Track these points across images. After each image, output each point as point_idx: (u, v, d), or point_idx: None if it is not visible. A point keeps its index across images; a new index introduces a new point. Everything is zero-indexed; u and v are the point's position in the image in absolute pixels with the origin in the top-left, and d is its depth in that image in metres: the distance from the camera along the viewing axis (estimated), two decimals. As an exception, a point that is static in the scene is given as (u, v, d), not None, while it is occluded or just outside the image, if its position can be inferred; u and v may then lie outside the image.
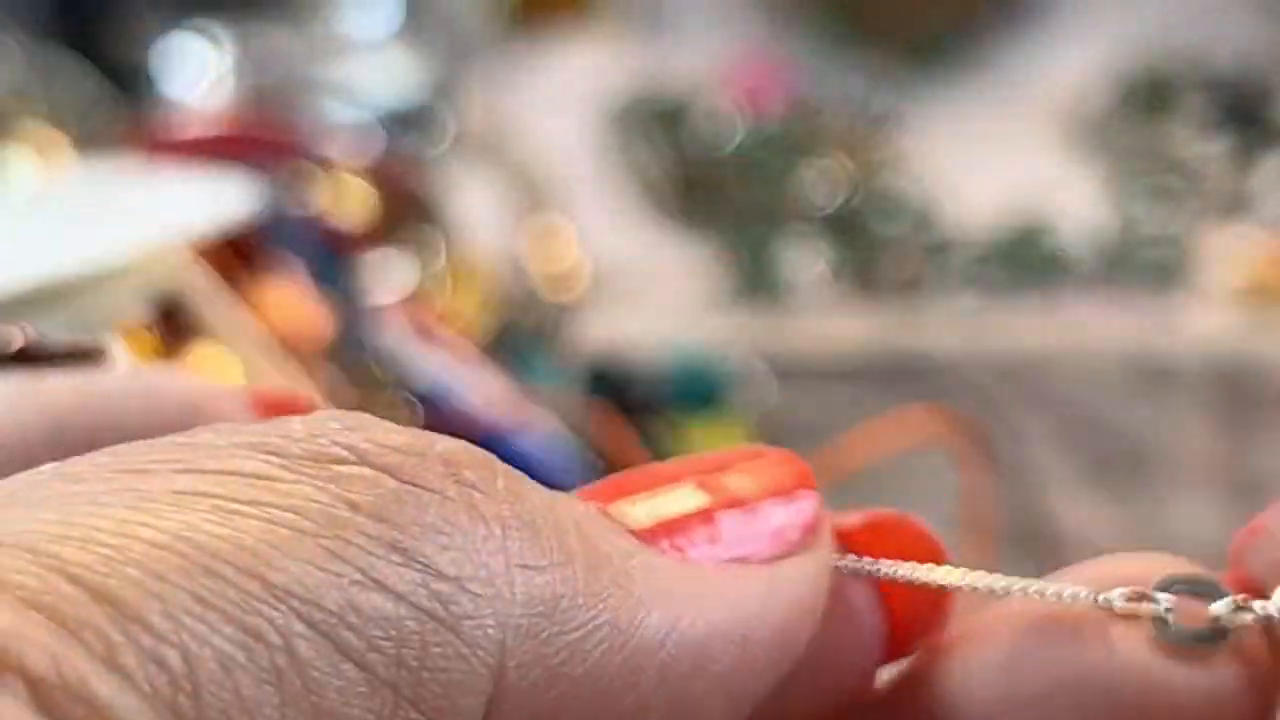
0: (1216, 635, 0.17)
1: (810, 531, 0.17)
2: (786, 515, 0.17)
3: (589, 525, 0.16)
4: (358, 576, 0.14)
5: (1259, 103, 0.94)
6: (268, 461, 0.15)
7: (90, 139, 0.77)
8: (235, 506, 0.14)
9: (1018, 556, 0.62)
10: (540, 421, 0.61)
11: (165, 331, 0.46)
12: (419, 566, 0.14)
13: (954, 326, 0.78)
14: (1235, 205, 0.91)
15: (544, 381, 0.70)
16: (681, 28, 1.01)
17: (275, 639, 0.13)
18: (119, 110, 0.81)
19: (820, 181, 0.88)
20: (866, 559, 0.17)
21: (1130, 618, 0.17)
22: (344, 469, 0.15)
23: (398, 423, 0.53)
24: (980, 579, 0.17)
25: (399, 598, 0.14)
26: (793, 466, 0.17)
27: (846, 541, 0.18)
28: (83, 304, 0.45)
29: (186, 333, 0.48)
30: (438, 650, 0.14)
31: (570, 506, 0.16)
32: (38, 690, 0.12)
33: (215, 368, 0.48)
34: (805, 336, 0.76)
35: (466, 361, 0.63)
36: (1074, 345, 0.75)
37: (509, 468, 0.16)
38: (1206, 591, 0.18)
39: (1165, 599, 0.17)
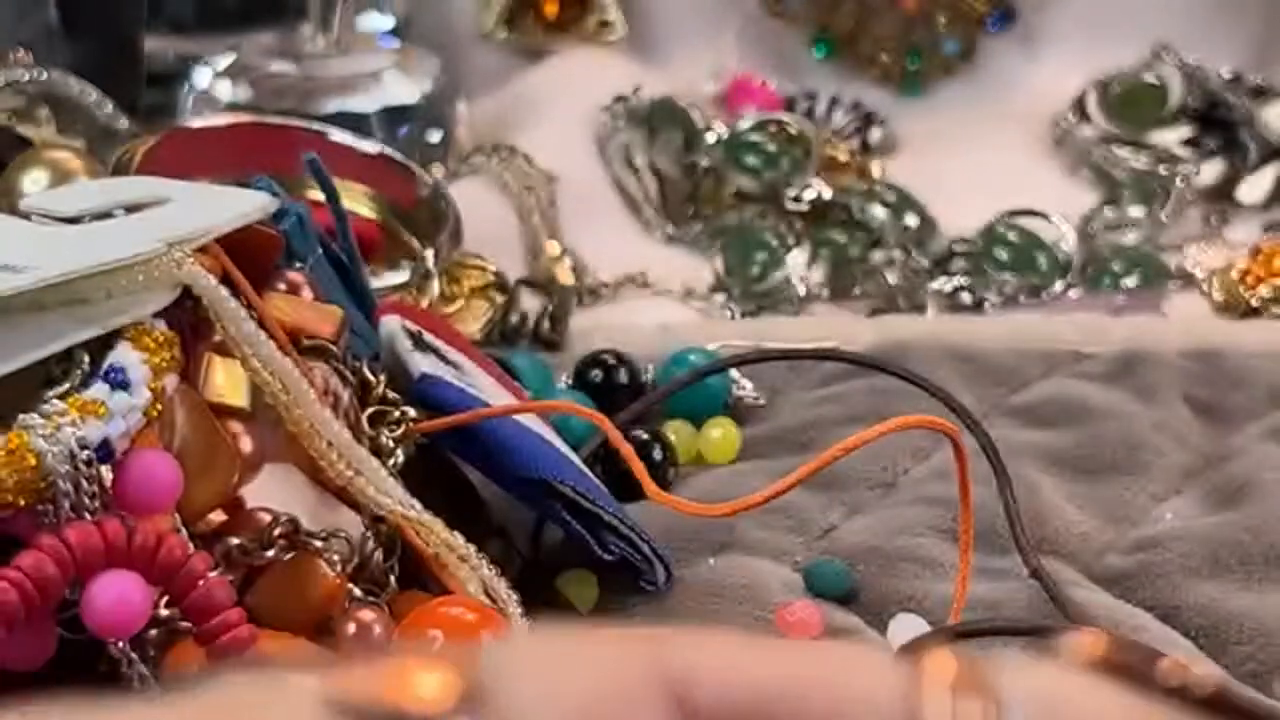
0: None
1: None
2: None
3: None
4: None
5: (1246, 111, 0.94)
6: None
7: (100, 148, 0.78)
8: None
9: (1008, 555, 0.63)
10: (536, 421, 0.61)
11: (178, 330, 0.47)
12: None
13: (946, 329, 0.78)
14: (1222, 211, 0.92)
15: (540, 381, 0.71)
16: (677, 32, 1.02)
17: None
18: (128, 118, 0.81)
19: (814, 185, 0.89)
20: None
21: None
22: None
23: (396, 424, 0.53)
24: None
25: None
26: None
27: None
28: (97, 304, 0.46)
29: (199, 332, 0.48)
30: None
31: None
32: None
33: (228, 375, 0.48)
34: (798, 338, 0.77)
35: (464, 361, 0.63)
36: (1063, 347, 0.76)
37: None
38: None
39: None
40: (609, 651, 0.17)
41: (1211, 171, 0.93)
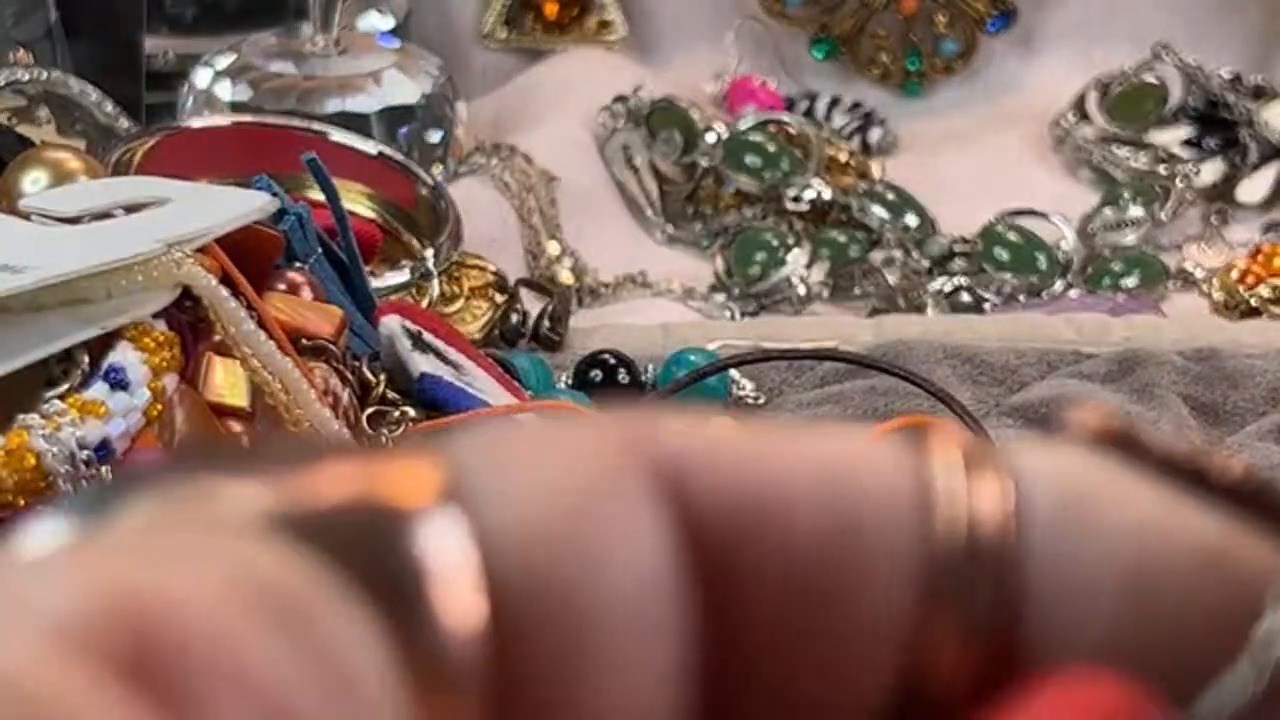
0: None
1: None
2: None
3: None
4: None
5: (1246, 111, 0.94)
6: None
7: (100, 148, 0.78)
8: None
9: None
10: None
11: (178, 330, 0.47)
12: None
13: (945, 329, 0.78)
14: (1221, 211, 0.92)
15: (540, 381, 0.71)
16: (677, 32, 1.02)
17: None
18: (128, 118, 0.81)
19: (814, 185, 0.89)
20: None
21: None
22: None
23: (396, 424, 0.53)
24: None
25: None
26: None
27: None
28: (97, 303, 0.46)
29: (199, 332, 0.48)
30: None
31: None
32: None
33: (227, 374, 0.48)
34: (798, 338, 0.77)
35: (464, 361, 0.63)
36: (1062, 346, 0.76)
37: None
38: None
39: None
40: (592, 435, 0.16)
41: (1211, 171, 0.93)
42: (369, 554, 0.14)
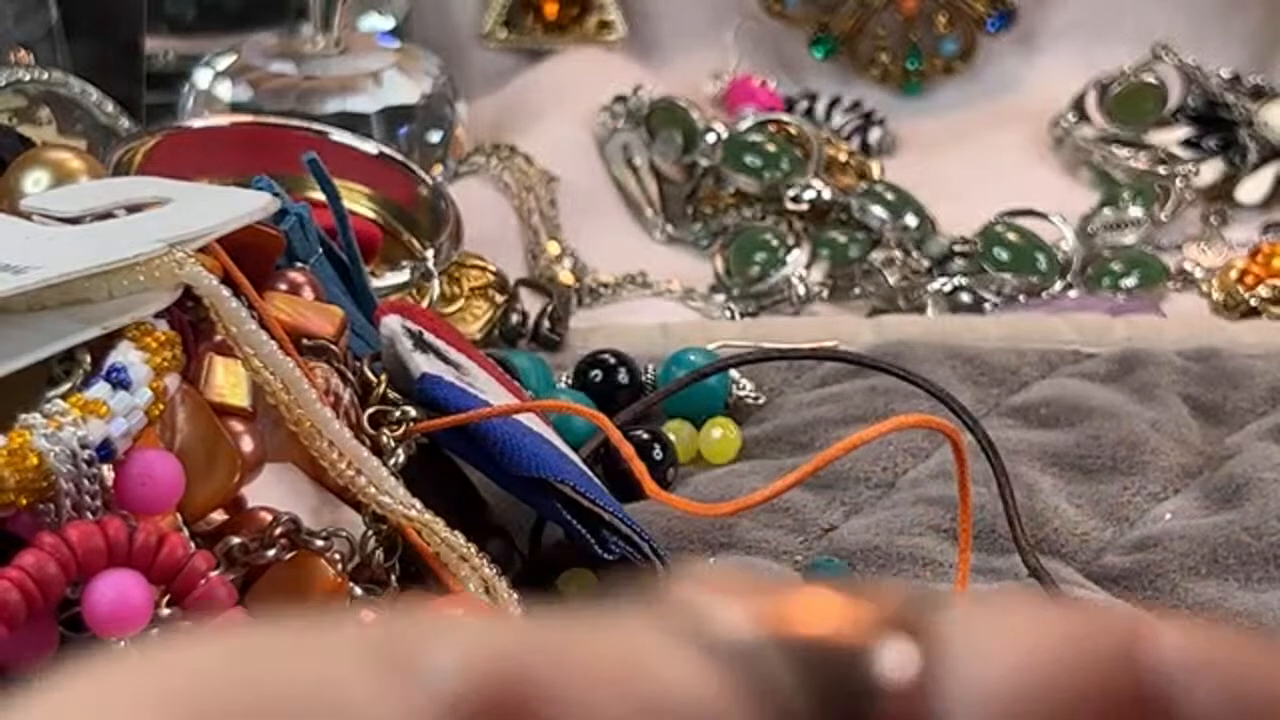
0: None
1: None
2: None
3: None
4: None
5: (1246, 111, 0.95)
6: None
7: (101, 148, 0.78)
8: None
9: (1007, 554, 0.63)
10: (536, 422, 0.61)
11: (180, 330, 0.47)
12: None
13: (945, 329, 0.78)
14: (1221, 212, 0.92)
15: (540, 381, 0.71)
16: (677, 32, 1.02)
17: None
18: (128, 118, 0.81)
19: (814, 185, 0.89)
20: None
21: None
22: None
23: (397, 424, 0.53)
24: None
25: None
26: None
27: None
28: (98, 304, 0.46)
29: (200, 332, 0.48)
30: None
31: None
32: None
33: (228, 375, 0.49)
34: (799, 338, 0.77)
35: (465, 361, 0.63)
36: (1062, 347, 0.76)
37: None
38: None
39: None
40: (1074, 624, 0.17)
41: (1211, 172, 0.93)
42: (833, 676, 0.16)
